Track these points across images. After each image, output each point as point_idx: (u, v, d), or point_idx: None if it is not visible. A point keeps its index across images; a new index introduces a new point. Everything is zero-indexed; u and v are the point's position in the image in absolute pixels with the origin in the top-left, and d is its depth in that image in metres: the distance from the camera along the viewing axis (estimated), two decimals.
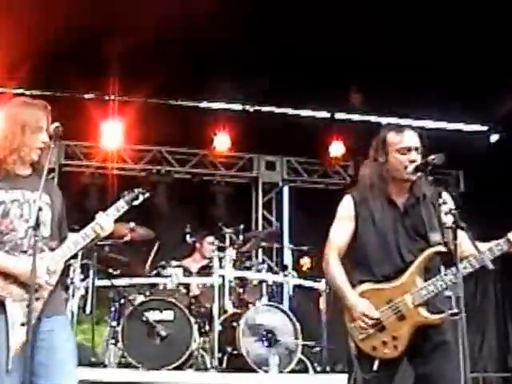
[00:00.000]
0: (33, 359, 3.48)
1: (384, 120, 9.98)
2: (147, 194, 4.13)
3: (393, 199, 4.23)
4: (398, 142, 4.19)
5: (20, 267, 3.60)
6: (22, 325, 3.56)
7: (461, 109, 9.77)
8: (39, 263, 3.48)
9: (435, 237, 4.07)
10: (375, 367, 3.98)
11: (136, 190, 4.09)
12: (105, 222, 3.89)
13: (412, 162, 4.14)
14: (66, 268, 6.69)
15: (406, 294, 4.05)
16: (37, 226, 3.47)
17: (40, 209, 3.51)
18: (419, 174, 4.12)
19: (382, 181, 4.23)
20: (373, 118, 10.30)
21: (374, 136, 4.38)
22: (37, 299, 3.56)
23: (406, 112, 9.41)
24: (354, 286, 4.16)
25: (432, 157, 4.05)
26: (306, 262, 8.26)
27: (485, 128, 10.69)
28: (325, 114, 10.53)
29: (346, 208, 4.30)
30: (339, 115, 10.51)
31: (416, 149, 4.19)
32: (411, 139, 4.20)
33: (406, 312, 4.04)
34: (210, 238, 7.92)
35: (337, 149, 10.89)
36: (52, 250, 3.76)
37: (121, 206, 4.01)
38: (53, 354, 3.65)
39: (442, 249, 4.05)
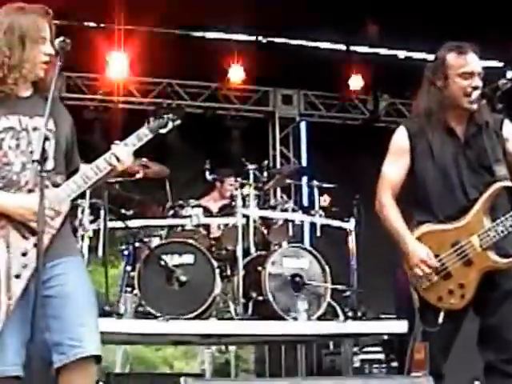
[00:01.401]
0: (41, 314, 2.83)
1: (402, 54, 9.69)
2: (178, 121, 3.44)
3: (452, 128, 3.77)
4: (460, 66, 3.74)
5: (14, 204, 2.98)
6: (17, 277, 2.95)
7: (477, 45, 9.41)
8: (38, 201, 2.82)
9: (501, 170, 3.65)
10: (441, 319, 3.58)
11: (165, 116, 3.40)
12: (122, 152, 3.22)
13: (475, 88, 3.69)
14: (74, 208, 6.29)
15: (473, 235, 3.62)
16: (43, 159, 2.83)
17: (46, 138, 2.87)
18: (483, 101, 3.67)
19: (440, 108, 3.76)
20: (391, 52, 9.84)
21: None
22: (34, 245, 2.91)
23: (422, 46, 8.97)
24: (412, 228, 3.73)
25: (503, 81, 3.63)
26: (325, 200, 7.71)
27: (501, 64, 10.37)
28: (341, 47, 10.11)
29: (399, 140, 3.84)
30: (357, 48, 10.08)
31: (479, 74, 3.75)
32: (475, 63, 3.76)
33: (474, 256, 3.61)
34: (232, 178, 7.37)
35: (356, 82, 10.34)
36: (57, 186, 3.10)
37: (144, 133, 3.34)
38: (66, 303, 3.03)
39: (510, 184, 3.64)
